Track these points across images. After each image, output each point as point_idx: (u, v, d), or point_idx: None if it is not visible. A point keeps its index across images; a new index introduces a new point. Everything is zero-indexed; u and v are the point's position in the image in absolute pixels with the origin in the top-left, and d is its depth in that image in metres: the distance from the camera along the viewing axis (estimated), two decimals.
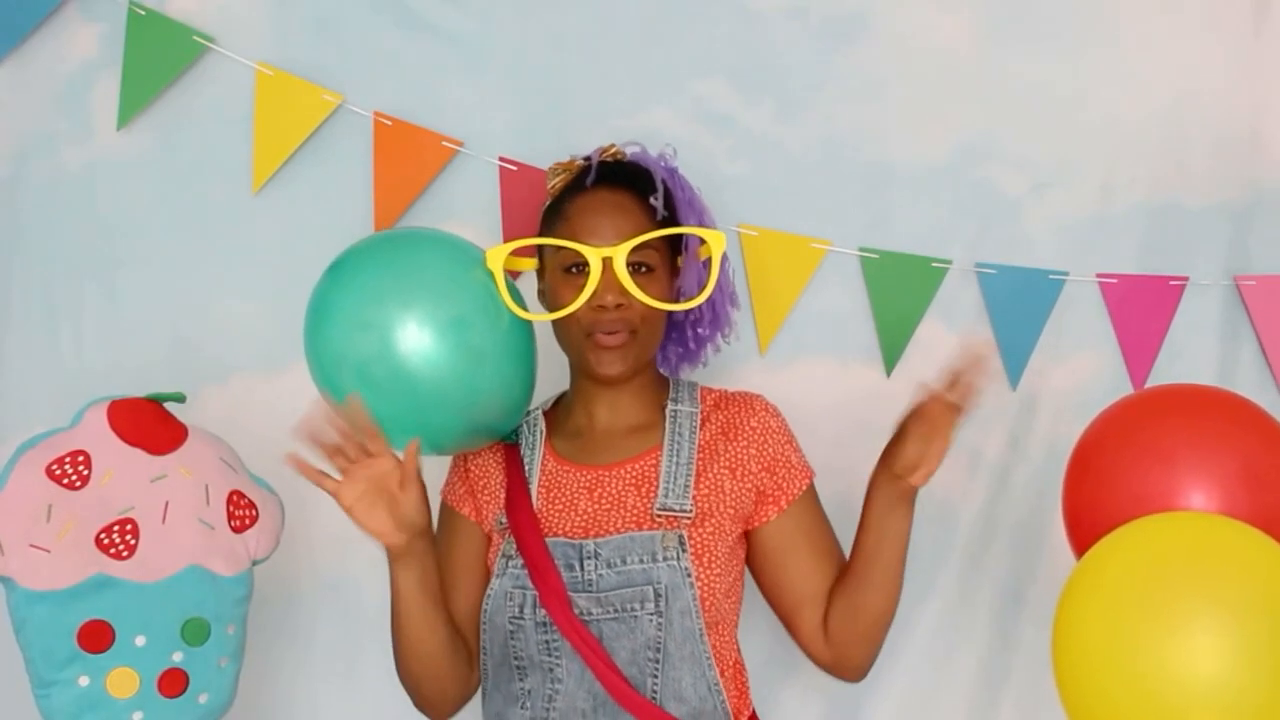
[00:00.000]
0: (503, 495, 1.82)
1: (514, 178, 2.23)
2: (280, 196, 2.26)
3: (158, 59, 2.23)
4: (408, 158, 2.23)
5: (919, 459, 1.72)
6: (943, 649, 2.27)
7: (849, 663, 1.82)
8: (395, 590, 1.74)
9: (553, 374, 1.89)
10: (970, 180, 2.28)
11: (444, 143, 2.24)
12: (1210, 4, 2.25)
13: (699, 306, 1.85)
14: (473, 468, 1.86)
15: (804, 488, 1.84)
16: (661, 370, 1.93)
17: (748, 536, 1.83)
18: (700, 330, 1.90)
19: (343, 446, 1.67)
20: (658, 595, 1.72)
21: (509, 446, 1.85)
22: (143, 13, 2.22)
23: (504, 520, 1.80)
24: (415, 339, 1.68)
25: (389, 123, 2.23)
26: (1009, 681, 2.26)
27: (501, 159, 2.24)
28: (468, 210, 2.26)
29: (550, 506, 1.79)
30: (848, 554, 1.83)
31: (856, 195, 2.28)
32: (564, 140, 2.22)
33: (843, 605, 1.79)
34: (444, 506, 1.88)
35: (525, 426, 1.86)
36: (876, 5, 2.27)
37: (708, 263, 1.81)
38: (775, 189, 2.28)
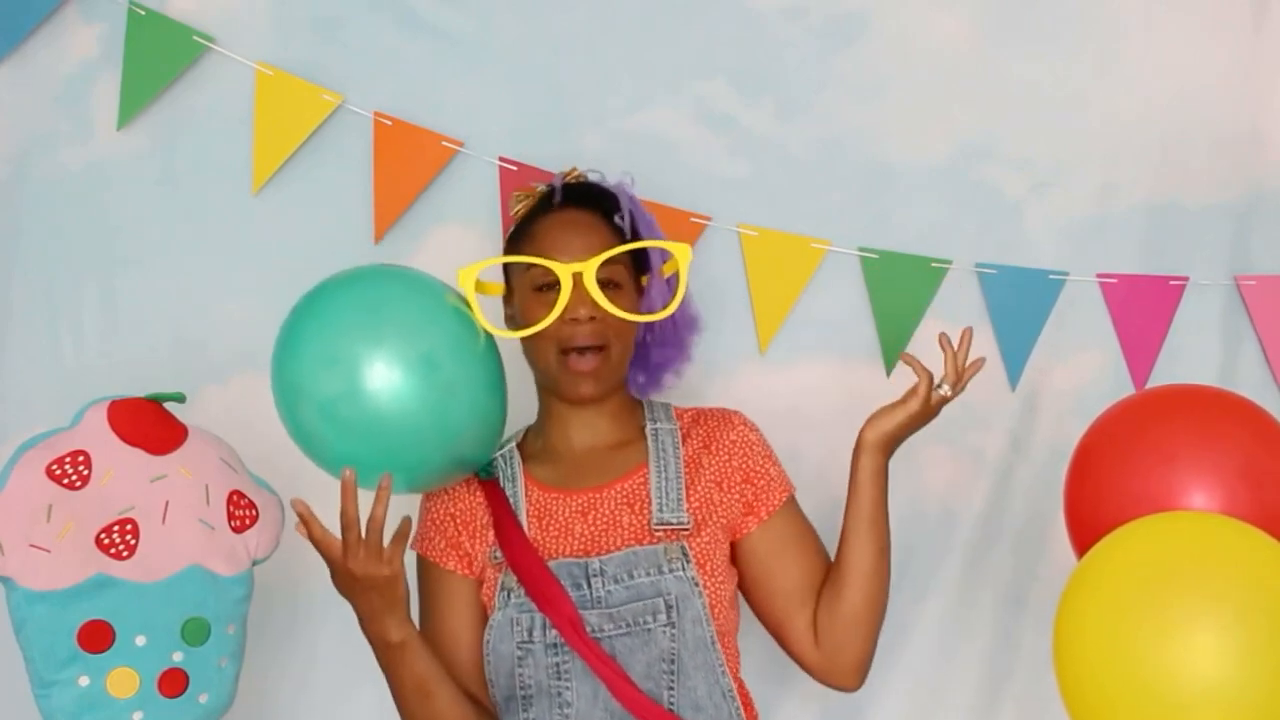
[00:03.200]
0: (491, 532, 1.81)
1: (514, 178, 2.22)
2: (280, 196, 2.25)
3: (158, 59, 2.23)
4: (408, 158, 2.23)
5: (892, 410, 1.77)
6: (944, 649, 2.27)
7: (841, 662, 1.81)
8: (400, 671, 1.74)
9: (523, 405, 1.88)
10: (970, 180, 2.28)
11: (444, 143, 2.24)
12: (1210, 3, 2.26)
13: (663, 328, 1.86)
14: (455, 512, 1.84)
15: (783, 500, 1.84)
16: (632, 392, 1.93)
17: (733, 550, 1.83)
18: (664, 351, 1.90)
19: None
20: (669, 606, 1.72)
21: (486, 483, 1.84)
22: (143, 13, 2.22)
23: (499, 555, 1.79)
24: (384, 378, 1.66)
25: (389, 123, 2.23)
26: (1010, 681, 2.26)
27: (501, 159, 2.24)
28: (468, 210, 2.26)
29: (545, 534, 1.79)
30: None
31: (856, 195, 2.28)
32: (564, 140, 2.23)
33: (826, 598, 1.80)
34: (427, 564, 1.85)
35: (500, 460, 1.85)
36: (876, 5, 2.27)
37: (672, 280, 1.82)
38: (775, 189, 2.28)
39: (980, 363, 1.79)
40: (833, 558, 1.83)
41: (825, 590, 1.81)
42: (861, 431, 1.79)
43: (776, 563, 1.82)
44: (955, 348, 1.79)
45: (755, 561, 1.83)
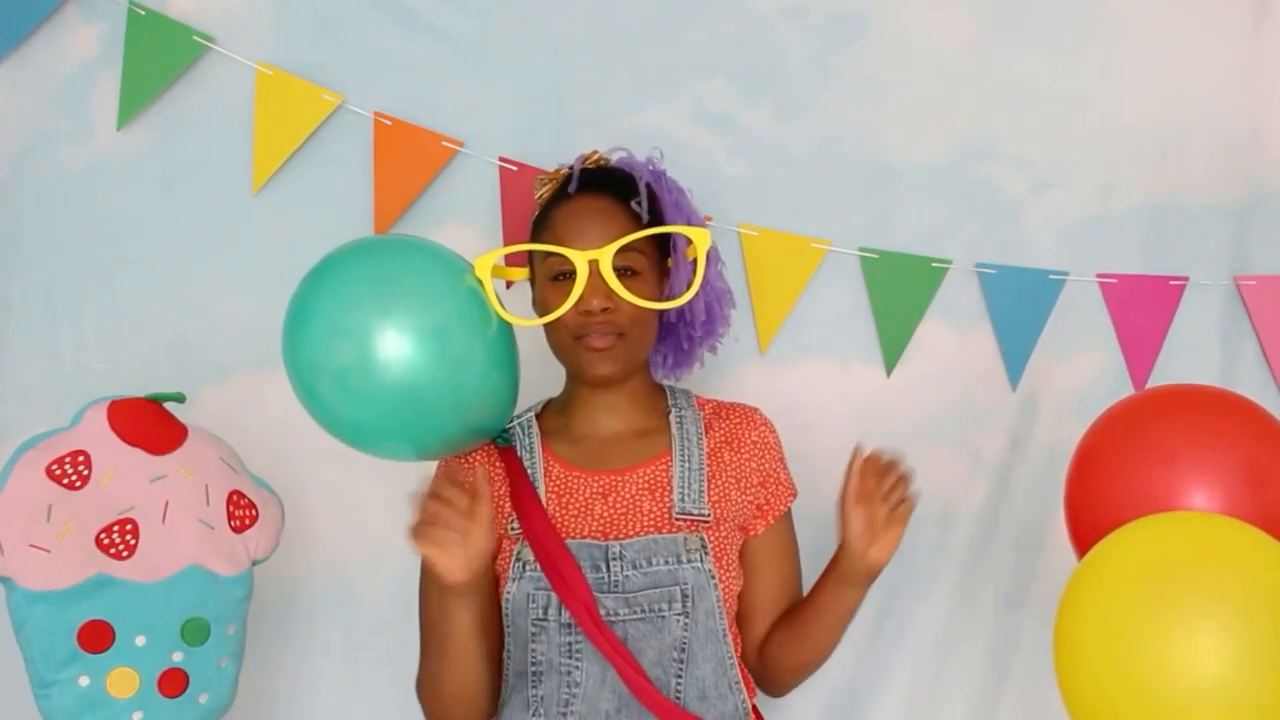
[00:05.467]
0: (508, 502, 1.80)
1: (514, 178, 2.23)
2: (280, 196, 2.25)
3: (158, 59, 2.23)
4: (408, 158, 2.23)
5: (864, 529, 1.71)
6: (944, 649, 2.27)
7: (772, 686, 1.89)
8: (452, 627, 1.70)
9: (538, 379, 1.88)
10: (970, 180, 2.28)
11: (444, 143, 2.24)
12: (1210, 4, 2.26)
13: (691, 308, 1.84)
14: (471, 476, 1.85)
15: (788, 506, 1.87)
16: (656, 377, 1.93)
17: None
18: (694, 332, 1.89)
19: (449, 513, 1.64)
20: (685, 596, 1.73)
21: (504, 451, 1.83)
22: (143, 13, 2.22)
23: (516, 527, 1.78)
24: (394, 347, 1.66)
25: (389, 123, 2.23)
26: (1010, 681, 2.27)
27: (501, 159, 2.24)
28: (468, 210, 2.26)
29: (564, 512, 1.78)
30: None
31: (856, 195, 2.28)
32: (564, 140, 2.23)
33: (781, 637, 1.83)
34: None
35: (518, 430, 1.85)
36: (876, 5, 2.28)
37: (696, 263, 1.81)
38: (775, 189, 2.28)
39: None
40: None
41: (783, 629, 1.83)
42: (876, 561, 1.73)
43: (759, 572, 1.85)
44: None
45: (745, 564, 1.85)
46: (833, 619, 1.79)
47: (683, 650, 1.73)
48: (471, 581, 1.67)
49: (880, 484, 1.71)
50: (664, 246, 1.82)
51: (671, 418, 1.85)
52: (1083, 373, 2.27)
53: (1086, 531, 1.80)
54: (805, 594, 1.83)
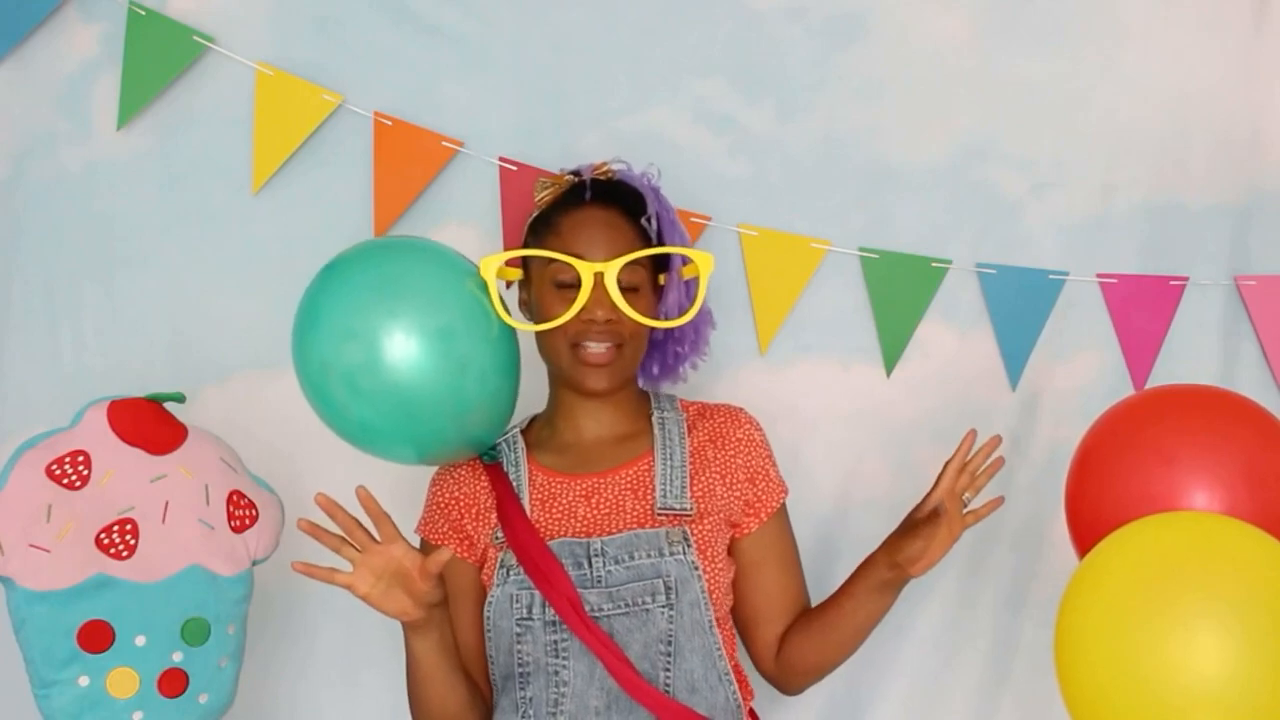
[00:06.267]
0: (494, 514, 1.82)
1: (514, 178, 2.22)
2: (280, 196, 2.25)
3: (158, 59, 2.23)
4: (408, 158, 2.23)
5: (922, 553, 1.75)
6: (944, 649, 2.27)
7: (789, 685, 1.90)
8: (413, 657, 1.73)
9: (524, 390, 1.88)
10: (970, 180, 2.28)
11: (444, 143, 2.24)
12: (1210, 4, 2.25)
13: (682, 326, 1.87)
14: (459, 496, 1.86)
15: (780, 503, 1.87)
16: (639, 384, 1.94)
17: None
18: (680, 349, 1.93)
19: (349, 538, 1.65)
20: (668, 588, 1.74)
21: (490, 467, 1.85)
22: (143, 13, 2.22)
23: (500, 535, 1.80)
24: (401, 348, 1.69)
25: (389, 123, 2.23)
26: (1010, 682, 2.26)
27: (501, 159, 2.24)
28: (468, 210, 2.26)
29: (548, 516, 1.80)
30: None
31: (856, 195, 2.28)
32: (564, 140, 2.23)
33: (802, 640, 1.84)
34: (428, 547, 1.87)
35: (504, 445, 1.87)
36: (876, 5, 2.27)
37: (689, 283, 1.84)
38: (775, 189, 2.28)
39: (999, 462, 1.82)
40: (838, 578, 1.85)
41: (804, 630, 1.84)
42: (916, 573, 1.76)
43: (760, 571, 1.86)
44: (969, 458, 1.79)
45: (743, 564, 1.86)
46: (864, 622, 1.81)
47: (669, 643, 1.74)
48: (427, 617, 1.67)
49: (974, 484, 1.77)
50: (658, 263, 1.85)
51: (654, 419, 1.87)
52: (1083, 373, 2.27)
53: (1086, 531, 1.81)
54: (831, 596, 1.84)
